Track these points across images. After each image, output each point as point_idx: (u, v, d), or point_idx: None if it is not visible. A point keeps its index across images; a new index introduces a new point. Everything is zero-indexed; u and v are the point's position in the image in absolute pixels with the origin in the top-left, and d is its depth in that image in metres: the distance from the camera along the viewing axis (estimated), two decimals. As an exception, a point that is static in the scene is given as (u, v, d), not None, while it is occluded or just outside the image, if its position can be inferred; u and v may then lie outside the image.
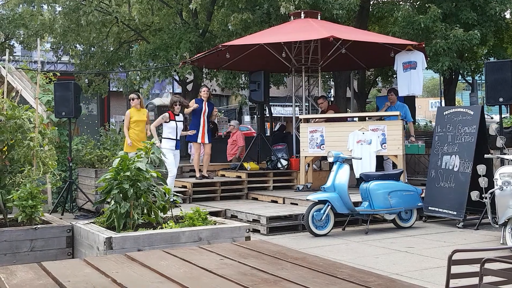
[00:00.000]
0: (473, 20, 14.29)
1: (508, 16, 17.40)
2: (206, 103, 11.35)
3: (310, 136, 11.17)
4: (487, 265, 2.99)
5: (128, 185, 4.96)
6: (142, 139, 10.33)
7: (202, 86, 12.10)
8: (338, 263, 3.09)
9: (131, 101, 10.84)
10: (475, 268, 3.05)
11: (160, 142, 9.79)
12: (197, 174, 11.42)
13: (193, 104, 11.22)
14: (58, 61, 21.14)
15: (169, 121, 9.99)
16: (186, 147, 13.65)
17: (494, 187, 7.99)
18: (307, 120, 11.73)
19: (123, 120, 11.31)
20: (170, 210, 5.48)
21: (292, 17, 12.78)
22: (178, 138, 10.18)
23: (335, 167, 8.79)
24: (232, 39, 14.06)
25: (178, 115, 10.19)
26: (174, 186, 10.32)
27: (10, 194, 5.51)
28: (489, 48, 18.11)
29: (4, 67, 10.87)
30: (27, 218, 5.39)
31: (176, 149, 10.10)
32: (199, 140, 11.28)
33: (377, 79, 22.77)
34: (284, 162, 12.35)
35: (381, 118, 11.70)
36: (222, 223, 5.37)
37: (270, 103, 23.01)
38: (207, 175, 11.58)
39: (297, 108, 14.14)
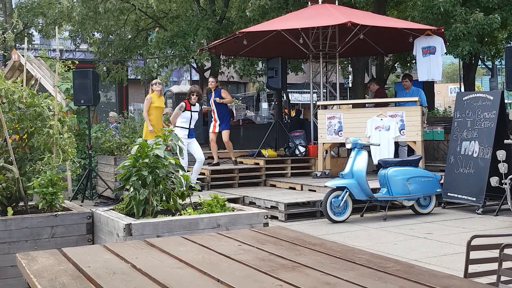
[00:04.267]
0: (493, 3, 14.08)
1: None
2: (214, 92, 11.62)
3: (328, 123, 11.13)
4: (507, 251, 2.98)
5: (147, 172, 4.99)
6: (160, 125, 10.45)
7: (210, 77, 12.32)
8: (357, 249, 3.09)
9: (155, 85, 10.94)
10: (494, 254, 3.04)
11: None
12: (215, 161, 11.59)
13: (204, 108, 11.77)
14: (77, 49, 21.25)
15: (184, 111, 9.97)
16: (206, 135, 13.70)
17: (514, 173, 7.93)
18: (325, 107, 11.69)
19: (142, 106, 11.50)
20: (188, 197, 5.50)
21: (309, 3, 12.71)
22: (192, 127, 10.12)
23: (353, 153, 8.77)
24: (249, 26, 14.01)
25: (194, 105, 10.12)
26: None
27: (30, 181, 5.57)
28: (509, 32, 17.86)
29: (23, 56, 10.96)
30: (47, 205, 5.44)
31: (189, 137, 10.00)
32: (210, 130, 11.72)
33: (396, 64, 22.59)
34: (302, 149, 12.34)
35: (397, 104, 11.62)
36: (240, 209, 5.38)
37: (288, 90, 22.96)
38: (233, 159, 11.88)
39: (315, 95, 14.09)
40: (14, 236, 4.94)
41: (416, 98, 10.94)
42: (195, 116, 10.16)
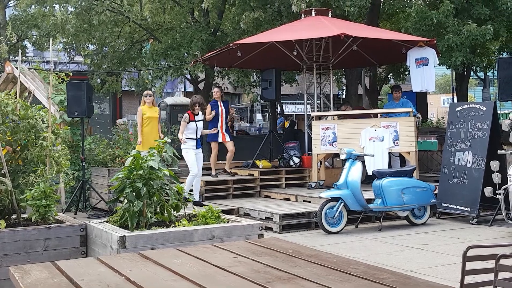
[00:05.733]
0: (485, 15, 14.19)
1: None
2: (221, 103, 11.59)
3: (322, 134, 11.15)
4: (502, 261, 2.97)
5: (141, 184, 4.97)
6: (154, 136, 10.41)
7: (214, 87, 12.22)
8: (352, 260, 3.08)
9: (147, 97, 10.88)
10: (490, 264, 3.03)
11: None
12: (213, 172, 11.61)
13: (209, 113, 11.51)
14: (71, 61, 21.23)
15: (189, 122, 9.99)
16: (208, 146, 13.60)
17: (507, 183, 7.94)
18: (319, 118, 11.71)
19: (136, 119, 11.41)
20: (183, 208, 5.48)
21: (303, 15, 12.75)
22: (199, 137, 10.13)
23: (347, 164, 8.77)
24: (243, 37, 14.04)
25: (197, 114, 10.13)
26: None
27: (23, 193, 5.54)
28: (501, 43, 17.97)
29: (17, 68, 10.95)
30: (40, 217, 5.42)
31: (197, 148, 10.04)
32: (220, 140, 11.60)
33: (389, 75, 22.66)
34: (297, 160, 12.34)
35: (388, 115, 11.63)
36: (235, 221, 5.37)
37: (282, 101, 23.00)
38: (229, 171, 11.85)
39: (308, 106, 14.10)
40: (7, 249, 4.90)
41: (409, 109, 10.97)
42: (200, 125, 10.13)
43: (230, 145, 11.75)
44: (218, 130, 11.45)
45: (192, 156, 9.89)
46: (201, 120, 10.21)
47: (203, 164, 12.45)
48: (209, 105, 11.83)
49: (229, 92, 27.69)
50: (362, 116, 11.76)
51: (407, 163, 10.76)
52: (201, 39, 15.87)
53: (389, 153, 10.95)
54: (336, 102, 18.80)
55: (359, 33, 11.44)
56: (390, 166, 11.26)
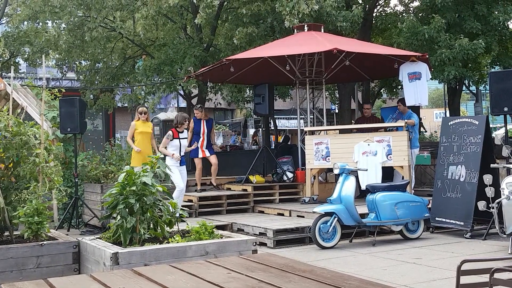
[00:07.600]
0: (477, 29, 14.30)
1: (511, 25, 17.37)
2: (204, 122, 11.76)
3: (316, 148, 11.15)
4: (497, 275, 2.97)
5: (134, 200, 4.96)
6: (147, 152, 10.36)
7: (195, 108, 12.42)
8: (346, 275, 3.07)
9: (142, 114, 10.83)
10: (484, 278, 3.03)
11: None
12: (198, 188, 11.67)
13: (191, 130, 11.71)
14: (64, 77, 21.23)
15: (172, 139, 9.98)
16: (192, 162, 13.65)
17: (501, 197, 7.96)
18: (312, 132, 11.73)
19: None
20: (176, 224, 5.46)
21: (295, 30, 12.80)
22: (183, 154, 10.20)
23: (341, 179, 8.78)
24: (236, 53, 14.08)
25: (182, 132, 10.17)
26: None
27: (16, 210, 5.51)
28: (493, 57, 18.10)
29: (9, 84, 10.93)
30: (33, 234, 5.39)
31: (181, 165, 10.08)
32: (200, 155, 11.81)
33: (382, 90, 22.76)
34: (290, 175, 12.33)
35: (385, 129, 11.66)
36: (228, 236, 5.36)
37: (275, 116, 23.04)
38: (215, 185, 11.95)
39: (302, 121, 14.13)
40: (-1, 267, 4.87)
41: (402, 123, 10.98)
42: (184, 142, 10.19)
43: (212, 159, 11.92)
44: (198, 147, 11.59)
45: (177, 172, 9.85)
46: (186, 138, 10.30)
47: (190, 180, 12.50)
48: (192, 120, 11.88)
49: (222, 107, 27.76)
50: (362, 130, 11.77)
51: (404, 178, 10.74)
52: (194, 54, 15.91)
53: (392, 167, 10.93)
54: (329, 117, 18.86)
55: (351, 48, 11.50)
56: (391, 179, 11.22)
